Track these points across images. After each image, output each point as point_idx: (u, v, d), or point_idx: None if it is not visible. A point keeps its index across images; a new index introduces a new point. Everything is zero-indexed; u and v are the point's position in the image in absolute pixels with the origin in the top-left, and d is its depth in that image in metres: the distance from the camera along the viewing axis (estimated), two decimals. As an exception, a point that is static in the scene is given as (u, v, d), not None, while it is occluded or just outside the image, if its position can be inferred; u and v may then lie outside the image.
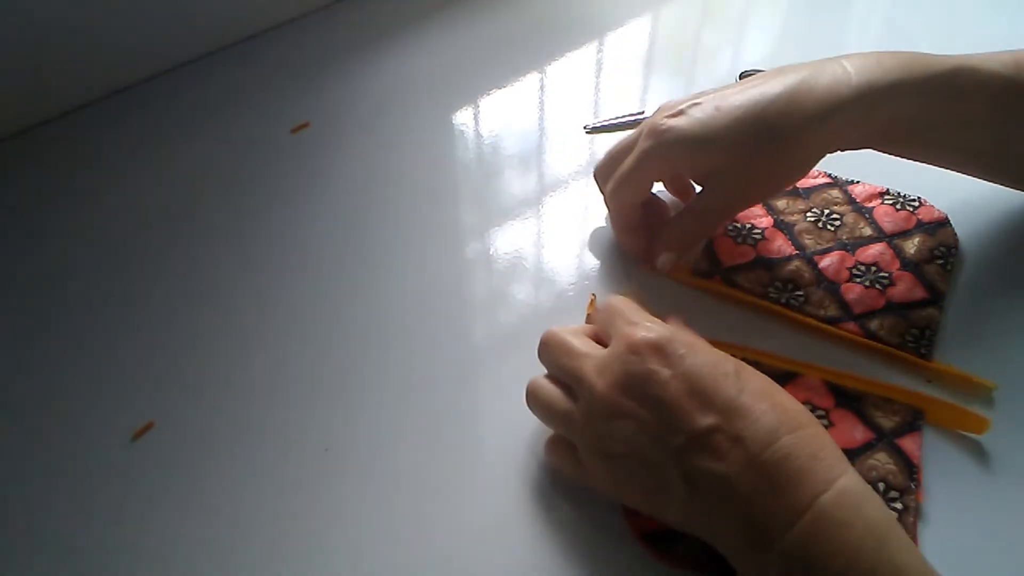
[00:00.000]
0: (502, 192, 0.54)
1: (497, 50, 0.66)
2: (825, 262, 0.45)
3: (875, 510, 0.29)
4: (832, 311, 0.43)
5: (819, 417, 0.39)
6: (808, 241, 0.46)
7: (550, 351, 0.37)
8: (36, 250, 0.52)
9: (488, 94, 0.62)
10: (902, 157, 0.45)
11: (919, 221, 0.47)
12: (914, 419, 0.39)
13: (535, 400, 0.38)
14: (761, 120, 0.39)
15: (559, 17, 0.70)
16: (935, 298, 0.43)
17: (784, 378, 0.41)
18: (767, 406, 0.31)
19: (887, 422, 0.39)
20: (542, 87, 0.63)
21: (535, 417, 0.38)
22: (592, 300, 0.44)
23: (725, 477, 0.30)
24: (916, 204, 0.48)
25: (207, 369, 0.45)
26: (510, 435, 0.40)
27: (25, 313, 0.48)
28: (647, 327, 0.34)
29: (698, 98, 0.42)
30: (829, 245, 0.46)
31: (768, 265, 0.45)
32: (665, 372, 0.32)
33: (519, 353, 0.44)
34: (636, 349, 0.33)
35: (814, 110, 0.39)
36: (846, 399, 0.40)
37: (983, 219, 0.48)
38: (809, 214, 0.48)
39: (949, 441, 0.39)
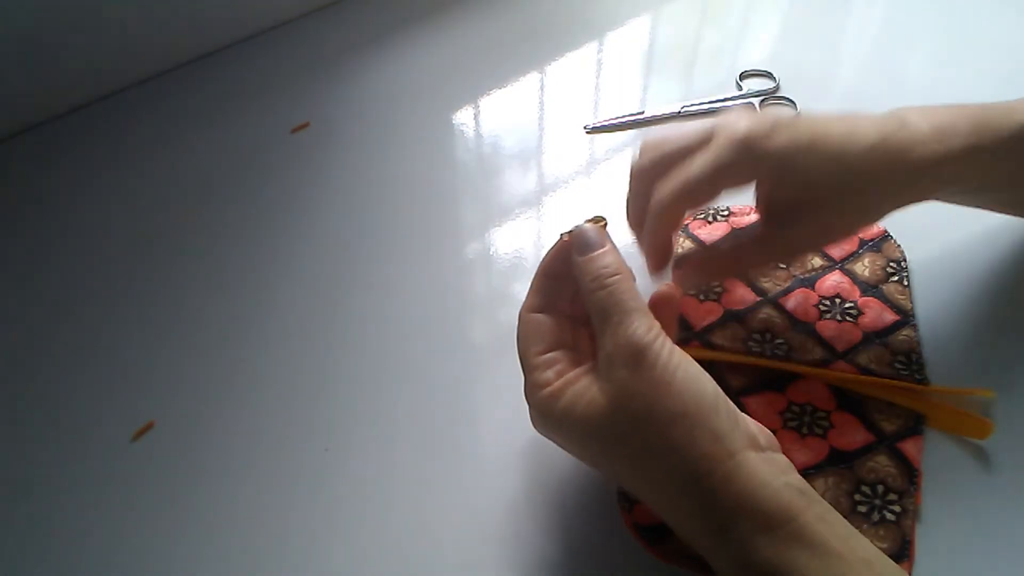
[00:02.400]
0: (502, 192, 0.54)
1: (497, 50, 0.66)
2: (791, 303, 0.44)
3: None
4: (818, 354, 0.41)
5: (820, 419, 0.39)
6: (766, 284, 0.45)
7: None
8: (36, 250, 0.52)
9: (488, 94, 0.62)
10: (960, 205, 0.43)
11: (860, 240, 0.46)
12: (916, 423, 0.38)
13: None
14: (854, 170, 0.37)
15: (559, 17, 0.70)
16: (905, 318, 0.43)
17: (786, 379, 0.40)
18: (657, 469, 0.31)
19: (888, 425, 0.38)
20: (542, 87, 0.63)
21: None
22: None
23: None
24: None
25: (207, 369, 0.45)
26: (510, 435, 0.40)
27: (25, 313, 0.48)
28: (533, 404, 0.34)
29: (774, 118, 0.38)
30: (787, 284, 0.45)
31: (738, 318, 0.43)
32: (560, 442, 0.34)
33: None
34: (531, 410, 0.35)
35: (902, 174, 0.37)
36: (848, 402, 0.39)
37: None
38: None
39: (950, 444, 0.38)
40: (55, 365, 0.46)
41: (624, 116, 0.59)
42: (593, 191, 0.54)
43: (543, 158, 0.57)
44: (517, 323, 0.36)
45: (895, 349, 0.41)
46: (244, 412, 0.43)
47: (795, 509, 0.29)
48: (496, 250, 0.50)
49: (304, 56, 0.67)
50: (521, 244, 0.50)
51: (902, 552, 0.34)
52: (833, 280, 0.45)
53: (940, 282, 0.45)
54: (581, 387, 0.32)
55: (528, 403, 0.34)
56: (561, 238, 0.36)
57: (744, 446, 0.30)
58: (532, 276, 0.37)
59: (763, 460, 0.30)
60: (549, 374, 0.34)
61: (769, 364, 0.41)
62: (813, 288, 0.45)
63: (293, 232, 0.52)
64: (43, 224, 0.54)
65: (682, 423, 0.30)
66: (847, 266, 0.45)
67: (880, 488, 0.36)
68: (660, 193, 0.38)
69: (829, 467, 0.37)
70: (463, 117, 0.61)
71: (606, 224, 0.36)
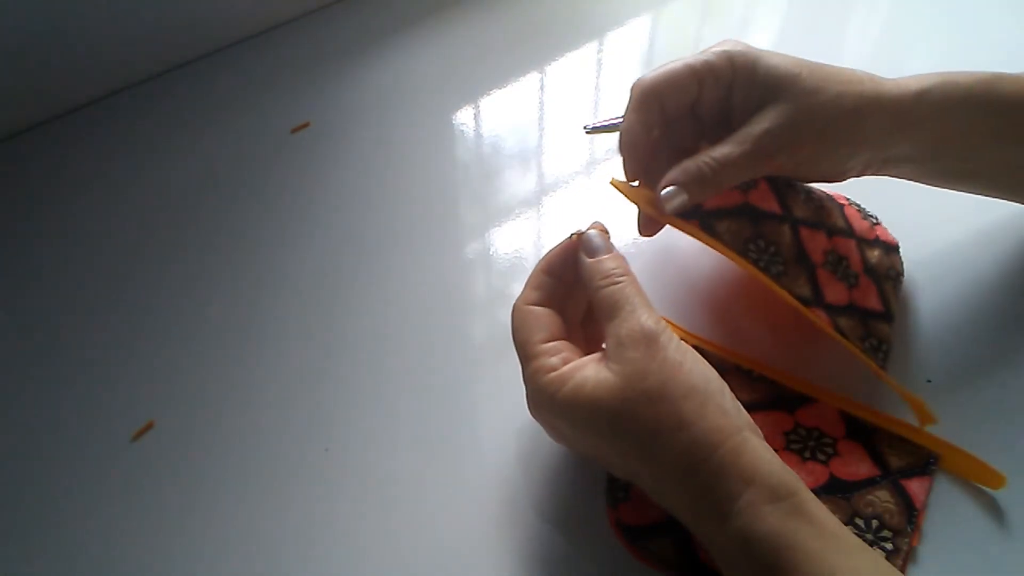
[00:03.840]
0: (502, 192, 0.54)
1: (497, 50, 0.66)
2: (805, 234, 0.41)
3: (758, 549, 0.29)
4: (805, 291, 0.39)
5: (825, 446, 0.38)
6: (795, 208, 0.42)
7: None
8: (36, 250, 0.52)
9: (488, 94, 0.62)
10: (932, 183, 0.43)
11: (877, 238, 0.46)
12: (927, 463, 0.37)
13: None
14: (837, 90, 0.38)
15: (559, 17, 0.70)
16: (888, 315, 0.42)
17: (797, 401, 0.40)
18: (666, 447, 0.31)
19: (897, 461, 0.37)
20: (542, 87, 0.63)
21: (535, 420, 0.38)
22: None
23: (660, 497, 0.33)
24: (875, 220, 0.47)
25: (207, 369, 0.45)
26: (509, 435, 0.40)
27: (25, 313, 0.48)
28: (536, 390, 0.34)
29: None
30: (815, 220, 0.42)
31: (754, 216, 0.40)
32: (557, 425, 0.34)
33: (519, 353, 0.44)
34: (530, 398, 0.35)
35: (872, 95, 0.39)
36: (858, 432, 0.39)
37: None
38: (800, 190, 0.44)
39: (961, 491, 0.37)
40: (55, 365, 0.46)
41: (624, 116, 0.59)
42: (593, 191, 0.54)
43: (543, 158, 0.57)
44: (512, 315, 0.36)
45: (870, 330, 0.40)
46: (244, 412, 0.43)
47: (795, 486, 0.30)
48: (496, 250, 0.50)
49: (304, 56, 0.67)
50: (521, 244, 0.50)
51: None
52: (848, 245, 0.43)
53: (937, 284, 0.45)
54: (590, 371, 0.33)
55: (530, 388, 0.35)
56: (570, 237, 0.37)
57: (746, 426, 0.31)
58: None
59: (762, 442, 0.31)
60: (555, 360, 0.34)
61: (754, 272, 0.39)
62: (831, 238, 0.42)
63: (293, 232, 0.52)
64: (43, 224, 0.54)
65: (694, 397, 0.31)
66: (862, 244, 0.44)
67: (875, 523, 0.35)
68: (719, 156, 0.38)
69: (824, 494, 0.36)
70: (463, 117, 0.61)
71: (608, 234, 0.38)
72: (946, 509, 0.36)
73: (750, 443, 0.31)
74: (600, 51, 0.66)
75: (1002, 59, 0.60)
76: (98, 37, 0.60)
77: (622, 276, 0.35)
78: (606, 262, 0.36)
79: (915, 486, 0.36)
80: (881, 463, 0.37)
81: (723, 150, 0.38)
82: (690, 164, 0.38)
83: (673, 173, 0.39)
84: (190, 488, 0.40)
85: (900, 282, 0.45)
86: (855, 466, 0.37)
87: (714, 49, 0.40)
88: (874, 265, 0.44)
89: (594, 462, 0.38)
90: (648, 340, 0.32)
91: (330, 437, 0.41)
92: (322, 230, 0.52)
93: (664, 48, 0.66)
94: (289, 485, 0.39)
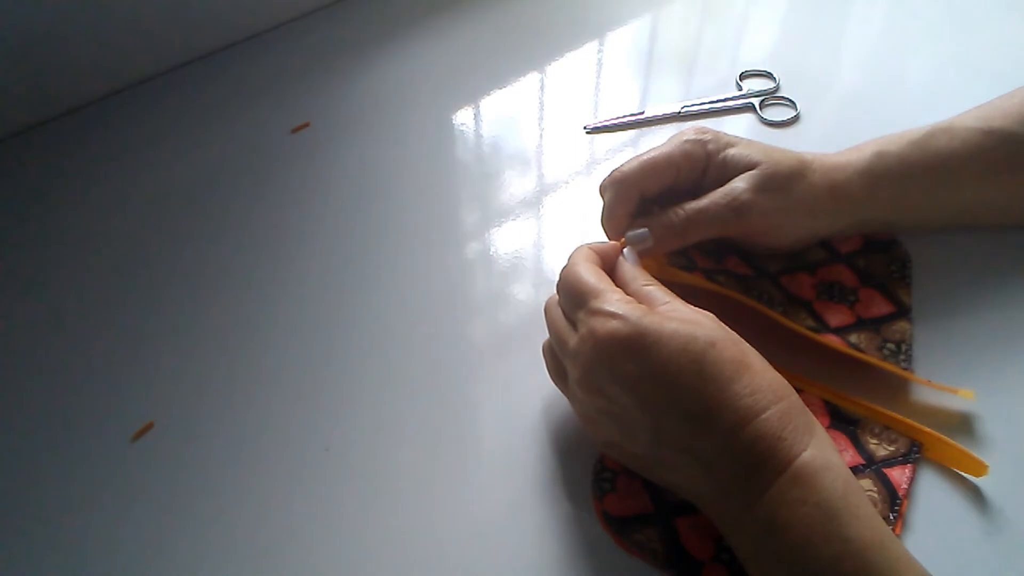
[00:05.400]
0: (502, 192, 0.54)
1: (497, 50, 0.66)
2: (786, 280, 0.44)
3: (829, 483, 0.30)
4: (810, 323, 0.42)
5: None
6: (769, 265, 0.45)
7: (560, 291, 0.38)
8: (36, 250, 0.52)
9: (488, 94, 0.62)
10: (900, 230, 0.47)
11: (867, 240, 0.46)
12: (910, 451, 0.38)
13: (546, 315, 0.39)
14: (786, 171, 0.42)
15: (559, 17, 0.70)
16: (902, 310, 0.43)
17: None
18: (739, 388, 0.32)
19: (880, 451, 0.38)
20: (542, 87, 0.63)
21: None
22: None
23: (696, 459, 0.32)
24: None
25: (207, 369, 0.45)
26: (509, 435, 0.40)
27: (25, 313, 0.48)
28: (610, 313, 0.33)
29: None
30: (791, 266, 0.45)
31: (737, 276, 0.43)
32: (632, 372, 0.32)
33: (519, 353, 0.44)
34: (600, 347, 0.33)
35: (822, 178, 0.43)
36: (842, 421, 0.39)
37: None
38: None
39: (944, 479, 0.37)
40: (55, 365, 0.46)
41: (624, 116, 0.59)
42: (593, 191, 0.54)
43: (543, 158, 0.57)
44: (572, 267, 0.36)
45: (886, 336, 0.41)
46: (244, 412, 0.43)
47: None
48: (496, 250, 0.50)
49: (304, 56, 0.67)
50: (521, 244, 0.50)
51: None
52: (834, 269, 0.45)
53: (942, 283, 0.45)
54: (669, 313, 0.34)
55: (603, 315, 0.33)
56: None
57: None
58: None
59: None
60: (632, 300, 0.35)
61: (764, 311, 0.41)
62: (814, 274, 0.45)
63: (293, 232, 0.52)
64: (43, 224, 0.54)
65: (763, 359, 0.34)
66: (851, 259, 0.45)
67: None
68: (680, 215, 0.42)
69: None
70: (463, 117, 0.61)
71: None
72: (928, 499, 0.37)
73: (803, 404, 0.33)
74: (600, 51, 0.66)
75: (1001, 58, 0.60)
76: (98, 37, 0.60)
77: (660, 286, 0.37)
78: (645, 272, 0.38)
79: (897, 474, 0.37)
80: (864, 453, 0.38)
81: (696, 204, 0.42)
82: (660, 213, 0.42)
83: (642, 219, 0.42)
84: (190, 488, 0.40)
85: (908, 270, 0.45)
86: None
87: (689, 135, 0.44)
88: (870, 271, 0.45)
89: (605, 432, 0.36)
90: (711, 315, 0.34)
91: (330, 437, 0.41)
92: (322, 230, 0.52)
93: (664, 48, 0.66)
94: (289, 485, 0.39)
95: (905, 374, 0.40)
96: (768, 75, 0.61)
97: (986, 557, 0.35)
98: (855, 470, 0.37)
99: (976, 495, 0.36)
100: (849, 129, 0.47)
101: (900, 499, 0.36)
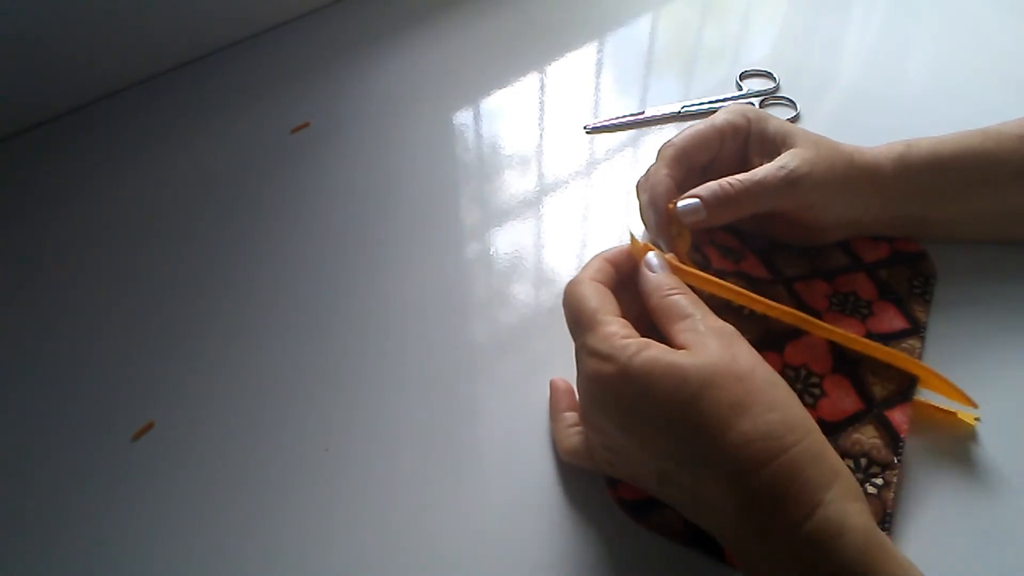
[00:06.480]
0: (502, 192, 0.54)
1: (497, 50, 0.66)
2: (801, 287, 0.44)
3: (851, 539, 0.28)
4: None
5: (812, 386, 0.39)
6: (785, 269, 0.45)
7: (564, 310, 0.36)
8: (36, 250, 0.52)
9: (488, 94, 0.63)
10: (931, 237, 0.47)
11: (896, 250, 0.46)
12: (908, 387, 0.38)
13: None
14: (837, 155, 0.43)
15: (559, 17, 0.70)
16: (916, 328, 0.42)
17: (788, 336, 0.40)
18: (734, 438, 0.30)
19: (880, 390, 0.38)
20: (542, 87, 0.63)
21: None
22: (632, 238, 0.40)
23: (706, 505, 0.31)
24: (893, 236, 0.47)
25: (207, 369, 0.45)
26: (509, 435, 0.40)
27: (25, 313, 0.48)
28: (599, 354, 0.32)
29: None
30: (808, 272, 0.45)
31: (750, 280, 0.43)
32: (623, 418, 0.32)
33: (519, 353, 0.44)
34: (592, 388, 0.33)
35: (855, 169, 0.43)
36: (844, 363, 0.39)
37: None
38: (790, 250, 0.47)
39: (938, 448, 0.38)
40: (55, 365, 0.46)
41: (624, 116, 0.59)
42: (593, 191, 0.54)
43: (543, 158, 0.57)
44: (574, 287, 0.36)
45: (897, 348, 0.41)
46: (244, 412, 0.43)
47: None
48: (496, 250, 0.50)
49: (304, 56, 0.67)
50: (521, 244, 0.50)
51: (882, 524, 0.34)
52: (853, 278, 0.45)
53: (966, 301, 0.44)
54: (667, 349, 0.32)
55: (595, 356, 0.32)
56: (638, 244, 0.38)
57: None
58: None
59: None
60: (627, 331, 0.33)
61: (779, 308, 0.39)
62: (831, 281, 0.45)
63: (293, 232, 0.52)
64: (43, 224, 0.54)
65: (781, 387, 0.32)
66: (873, 269, 0.45)
67: (863, 461, 0.36)
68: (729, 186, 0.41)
69: None
70: (463, 117, 0.61)
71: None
72: (925, 442, 0.38)
73: (825, 441, 0.31)
74: (600, 51, 0.66)
75: (1001, 58, 0.60)
76: (98, 37, 0.60)
77: (685, 291, 0.36)
78: (670, 277, 0.37)
79: (897, 415, 0.37)
80: (866, 395, 0.38)
81: (751, 175, 0.41)
82: (713, 183, 0.41)
83: (695, 190, 0.41)
84: (190, 488, 0.40)
85: (931, 286, 0.44)
86: (841, 403, 0.38)
87: (731, 109, 0.45)
88: (891, 283, 0.44)
89: (614, 466, 0.35)
90: (729, 334, 0.33)
91: (330, 437, 0.41)
92: (322, 230, 0.52)
93: (664, 48, 0.66)
94: (289, 485, 0.39)
95: (921, 366, 0.39)
96: (768, 75, 0.61)
97: (980, 516, 0.36)
98: (857, 417, 0.38)
99: (977, 494, 0.37)
100: (849, 129, 0.47)
101: (903, 440, 0.37)
